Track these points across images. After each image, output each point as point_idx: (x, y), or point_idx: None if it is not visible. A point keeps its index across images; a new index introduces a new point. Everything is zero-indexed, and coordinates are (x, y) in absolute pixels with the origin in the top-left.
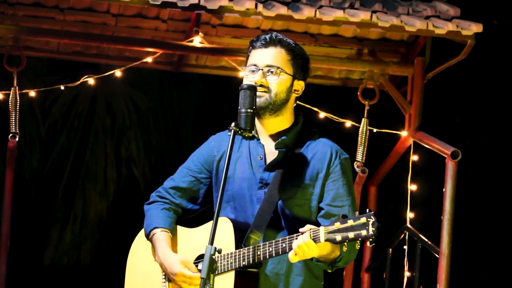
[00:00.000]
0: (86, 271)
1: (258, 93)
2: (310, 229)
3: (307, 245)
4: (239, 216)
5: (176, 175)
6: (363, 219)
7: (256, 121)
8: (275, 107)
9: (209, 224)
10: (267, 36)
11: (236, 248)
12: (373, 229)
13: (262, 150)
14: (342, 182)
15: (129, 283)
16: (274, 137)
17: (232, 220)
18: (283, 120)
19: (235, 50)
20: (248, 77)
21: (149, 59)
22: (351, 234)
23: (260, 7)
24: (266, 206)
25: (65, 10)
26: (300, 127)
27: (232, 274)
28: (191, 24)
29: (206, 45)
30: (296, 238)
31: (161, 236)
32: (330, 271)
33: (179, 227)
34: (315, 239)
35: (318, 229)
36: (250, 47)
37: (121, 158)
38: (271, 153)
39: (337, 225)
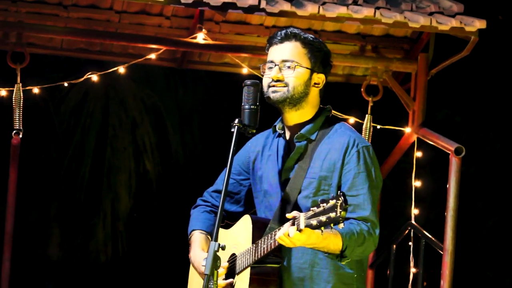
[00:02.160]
0: (122, 265)
1: (275, 88)
2: (294, 217)
3: (285, 235)
4: (270, 214)
5: (218, 179)
6: (332, 202)
7: (284, 117)
8: (293, 101)
9: (239, 223)
10: (282, 32)
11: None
12: (340, 210)
13: (287, 146)
14: (358, 170)
15: None
16: (295, 131)
17: (264, 219)
18: (304, 114)
19: (239, 47)
20: (265, 74)
21: (152, 56)
22: (323, 218)
23: (263, 4)
24: (286, 199)
25: (68, 7)
26: (323, 119)
27: (248, 270)
28: (194, 20)
29: (210, 41)
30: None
31: (196, 237)
32: (342, 262)
33: (220, 230)
34: (297, 227)
35: (299, 216)
36: (268, 45)
37: (138, 151)
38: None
39: (313, 210)
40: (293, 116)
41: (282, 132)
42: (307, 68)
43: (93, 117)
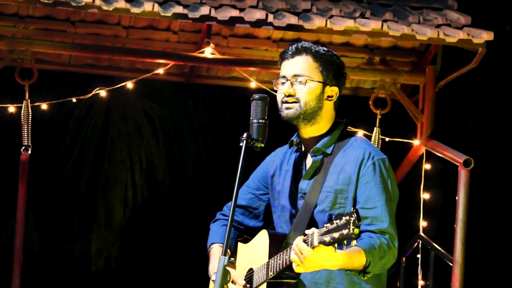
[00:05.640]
0: (115, 277)
1: (288, 105)
2: (307, 235)
3: (297, 254)
4: (288, 229)
5: (239, 193)
6: (345, 218)
7: (300, 132)
8: (307, 116)
9: (257, 238)
10: (293, 46)
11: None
12: (353, 227)
13: (303, 161)
14: (375, 182)
15: None
16: (311, 145)
17: (281, 234)
18: (320, 128)
19: (246, 61)
20: (278, 89)
21: (160, 71)
22: (336, 235)
23: (271, 18)
24: (303, 214)
25: (76, 23)
26: (339, 133)
27: (264, 286)
28: (202, 35)
29: (217, 56)
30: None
31: (215, 251)
32: (364, 278)
33: (239, 244)
34: (311, 244)
35: (313, 233)
36: (280, 60)
37: (140, 166)
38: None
39: (326, 226)
40: (309, 131)
41: (299, 146)
42: (319, 82)
43: (95, 131)
